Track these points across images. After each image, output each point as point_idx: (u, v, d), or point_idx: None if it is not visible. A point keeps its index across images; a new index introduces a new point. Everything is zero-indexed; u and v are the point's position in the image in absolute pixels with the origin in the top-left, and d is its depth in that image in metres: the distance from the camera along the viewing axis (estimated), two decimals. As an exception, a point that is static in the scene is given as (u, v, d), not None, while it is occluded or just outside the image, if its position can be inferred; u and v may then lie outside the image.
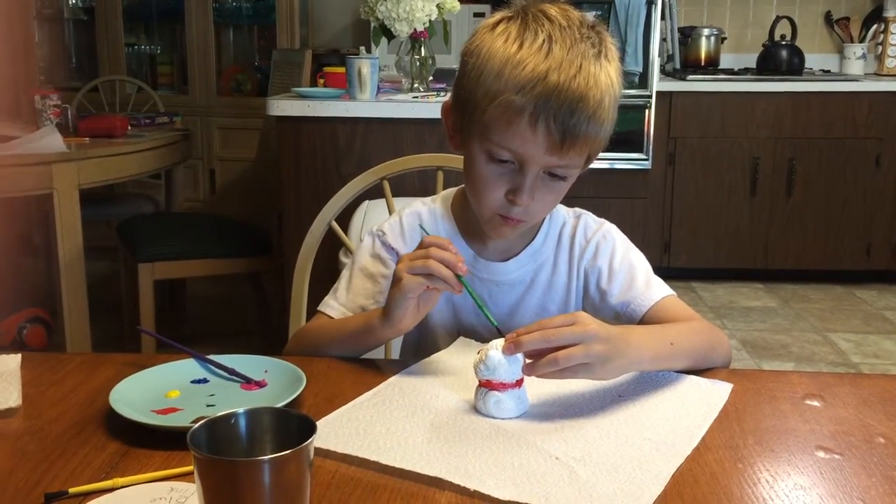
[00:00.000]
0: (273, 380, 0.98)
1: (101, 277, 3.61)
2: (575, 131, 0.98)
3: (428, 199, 1.22)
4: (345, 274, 1.19)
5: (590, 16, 1.05)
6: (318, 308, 1.17)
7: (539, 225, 1.16)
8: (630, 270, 1.14)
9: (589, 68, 0.98)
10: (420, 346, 1.18)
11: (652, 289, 1.12)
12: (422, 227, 1.12)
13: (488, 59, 1.00)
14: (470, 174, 1.07)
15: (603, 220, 1.20)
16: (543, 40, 0.98)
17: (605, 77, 0.99)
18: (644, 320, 1.10)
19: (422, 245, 0.98)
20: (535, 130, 0.97)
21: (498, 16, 1.04)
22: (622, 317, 1.12)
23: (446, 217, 1.18)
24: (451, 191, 1.20)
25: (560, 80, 0.96)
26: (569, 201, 1.21)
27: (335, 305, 1.15)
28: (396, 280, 0.98)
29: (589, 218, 1.20)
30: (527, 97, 0.97)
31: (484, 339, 0.93)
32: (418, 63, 2.88)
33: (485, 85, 1.00)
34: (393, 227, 1.19)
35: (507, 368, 0.88)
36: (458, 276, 0.96)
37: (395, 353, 1.34)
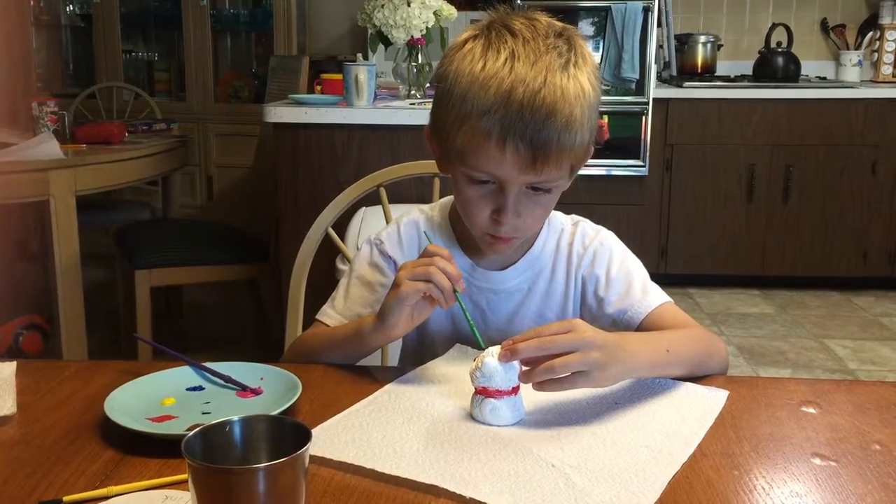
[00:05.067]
0: (269, 387, 0.97)
1: (97, 284, 3.61)
2: (546, 147, 0.96)
3: (426, 207, 1.22)
4: (342, 283, 1.19)
5: (558, 22, 1.03)
6: (316, 317, 1.17)
7: (537, 233, 1.16)
8: (627, 278, 1.14)
9: (555, 81, 0.96)
10: (419, 353, 1.18)
11: (649, 296, 1.12)
12: (426, 233, 1.12)
13: (454, 83, 1.00)
14: (457, 196, 1.07)
15: (600, 227, 1.20)
16: (506, 58, 0.97)
17: (574, 86, 0.97)
18: (641, 327, 1.10)
19: (425, 253, 0.98)
20: (505, 152, 0.97)
21: (465, 34, 1.04)
22: (619, 324, 1.12)
23: (443, 226, 1.18)
24: (450, 199, 1.20)
25: (524, 98, 0.95)
26: (565, 208, 1.21)
27: (332, 314, 1.15)
28: (395, 285, 0.98)
29: (586, 225, 1.20)
30: (492, 120, 0.96)
31: (480, 347, 0.94)
32: (415, 70, 2.89)
33: (453, 111, 1.00)
34: (391, 236, 1.19)
35: (504, 376, 0.88)
36: (454, 291, 0.96)
37: (394, 360, 1.34)
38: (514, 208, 1.01)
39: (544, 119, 0.95)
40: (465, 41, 1.02)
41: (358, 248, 1.22)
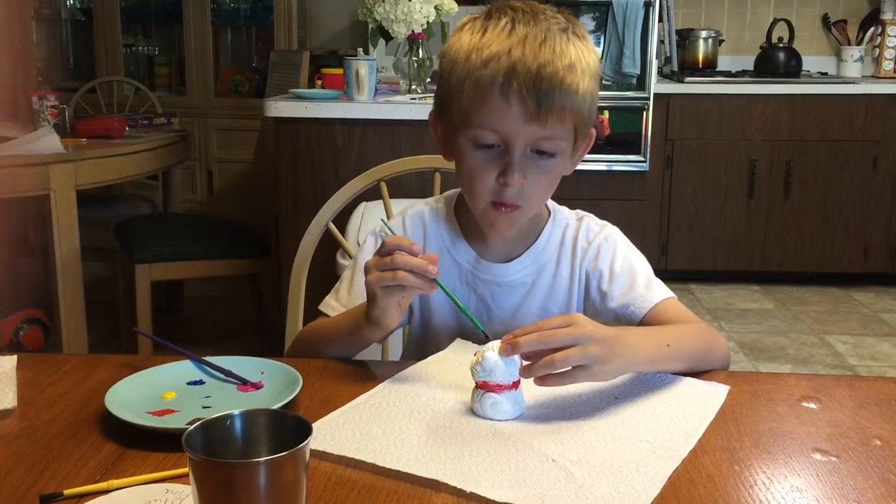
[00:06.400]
0: (269, 381, 0.97)
1: (98, 278, 3.61)
2: (549, 97, 0.98)
3: (431, 199, 1.23)
4: (346, 274, 1.19)
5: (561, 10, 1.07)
6: (319, 307, 1.17)
7: (541, 227, 1.17)
8: (631, 273, 1.14)
9: (554, 38, 1.00)
10: (423, 346, 1.18)
11: (652, 291, 1.12)
12: (383, 221, 1.13)
13: (457, 52, 1.04)
14: (461, 170, 1.08)
15: (605, 222, 1.20)
16: (506, 23, 1.01)
17: (573, 49, 1.01)
18: (643, 322, 1.10)
19: (382, 248, 0.96)
20: (509, 101, 0.99)
21: (466, 18, 1.08)
22: (622, 319, 1.12)
23: (449, 217, 1.18)
24: (455, 191, 1.20)
25: (525, 49, 0.99)
26: (566, 202, 1.21)
27: (336, 305, 1.16)
28: (371, 296, 0.98)
29: (591, 220, 1.20)
30: (495, 66, 0.99)
31: (483, 341, 0.94)
32: (416, 65, 2.88)
33: (456, 74, 1.03)
34: (396, 228, 1.19)
35: (504, 370, 0.88)
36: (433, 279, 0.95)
37: (395, 355, 1.34)
38: (519, 167, 1.02)
39: (545, 68, 0.98)
40: (465, 23, 1.06)
41: (359, 243, 1.22)
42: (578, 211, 1.22)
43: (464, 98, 1.02)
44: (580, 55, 1.01)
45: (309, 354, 1.09)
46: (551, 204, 1.20)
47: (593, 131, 1.09)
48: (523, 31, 1.00)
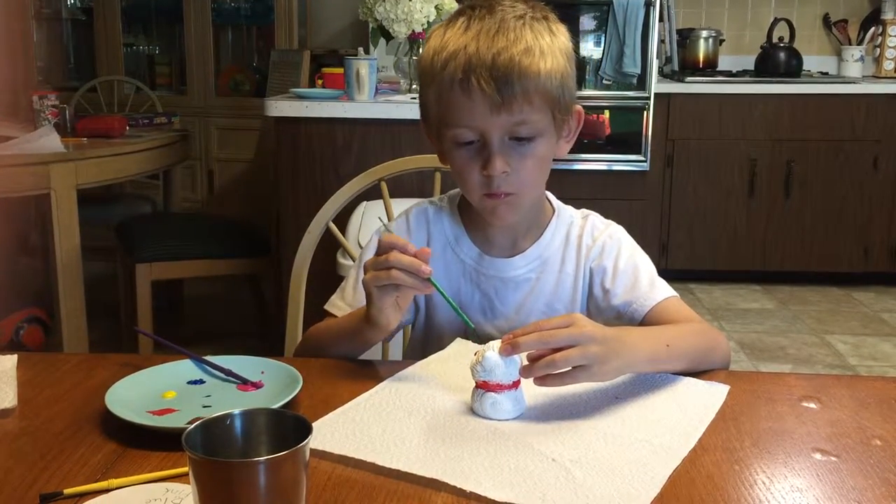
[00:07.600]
0: (269, 381, 0.97)
1: (98, 278, 3.61)
2: (508, 84, 1.00)
3: (435, 198, 1.24)
4: (352, 273, 1.19)
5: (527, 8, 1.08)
6: (325, 307, 1.18)
7: (546, 224, 1.17)
8: (634, 271, 1.14)
9: (508, 26, 1.02)
10: (426, 345, 1.19)
11: (655, 290, 1.12)
12: (383, 223, 1.14)
13: (424, 60, 1.07)
14: (453, 170, 1.10)
15: (611, 221, 1.21)
16: (462, 22, 1.04)
17: (529, 33, 1.02)
18: (645, 321, 1.10)
19: (379, 246, 0.98)
20: (471, 95, 1.01)
21: (434, 27, 1.12)
22: (624, 316, 1.12)
23: (452, 214, 1.19)
24: (459, 189, 1.21)
25: (479, 43, 1.01)
26: (567, 202, 1.22)
27: (341, 305, 1.16)
28: (367, 295, 0.99)
29: (596, 219, 1.21)
30: (452, 66, 1.01)
31: (489, 337, 0.94)
32: (416, 64, 2.88)
33: (424, 82, 1.07)
34: (399, 226, 1.20)
35: (504, 370, 0.88)
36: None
37: (395, 354, 1.34)
38: (500, 156, 1.03)
39: (502, 50, 1.00)
40: (433, 32, 1.09)
41: (359, 243, 1.22)
42: (584, 210, 1.22)
43: (433, 103, 1.06)
44: (537, 37, 1.02)
45: (315, 355, 1.09)
46: (556, 202, 1.20)
47: (579, 107, 1.11)
48: (478, 27, 1.02)
